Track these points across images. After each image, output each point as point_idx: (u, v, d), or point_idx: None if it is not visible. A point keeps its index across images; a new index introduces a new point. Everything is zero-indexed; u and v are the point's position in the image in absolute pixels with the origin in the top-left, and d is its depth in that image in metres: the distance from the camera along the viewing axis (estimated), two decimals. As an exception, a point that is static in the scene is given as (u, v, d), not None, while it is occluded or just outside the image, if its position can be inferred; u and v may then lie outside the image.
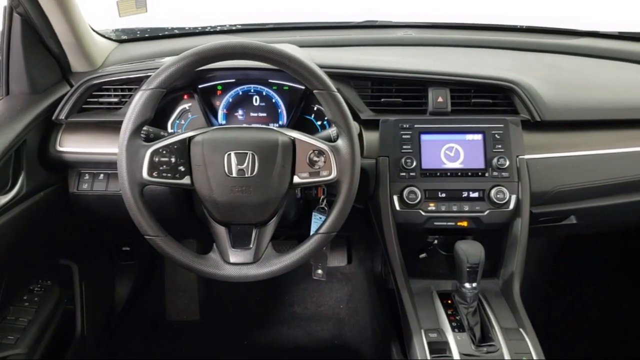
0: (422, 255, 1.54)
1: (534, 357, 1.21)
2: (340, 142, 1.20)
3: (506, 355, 1.21)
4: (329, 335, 2.13)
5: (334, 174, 1.19)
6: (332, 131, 1.27)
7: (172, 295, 2.18)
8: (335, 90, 1.20)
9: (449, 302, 1.38)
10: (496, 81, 1.47)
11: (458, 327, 1.29)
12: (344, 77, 1.48)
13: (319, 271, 1.55)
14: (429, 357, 1.21)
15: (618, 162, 1.48)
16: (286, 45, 1.65)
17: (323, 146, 1.19)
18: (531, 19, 2.04)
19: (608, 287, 2.24)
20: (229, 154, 1.16)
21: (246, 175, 1.16)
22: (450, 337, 1.26)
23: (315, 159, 1.19)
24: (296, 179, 1.20)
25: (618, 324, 2.13)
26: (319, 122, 1.52)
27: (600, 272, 2.26)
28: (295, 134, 1.21)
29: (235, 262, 1.19)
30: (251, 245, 1.20)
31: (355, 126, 1.36)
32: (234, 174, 1.16)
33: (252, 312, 2.20)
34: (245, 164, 1.16)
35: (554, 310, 2.18)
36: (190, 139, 1.18)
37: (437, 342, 1.24)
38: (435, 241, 1.54)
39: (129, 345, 2.02)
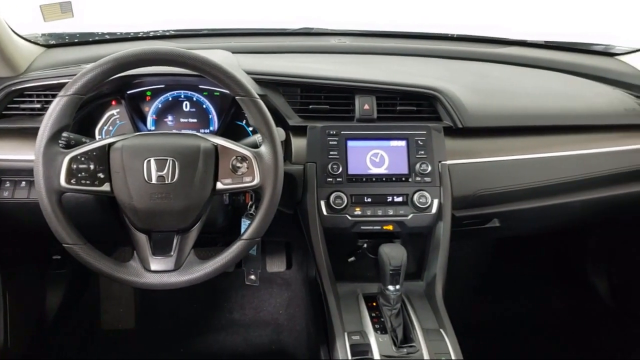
0: (351, 259, 1.56)
1: (453, 357, 1.25)
2: (263, 148, 1.21)
3: (425, 356, 1.24)
4: (267, 340, 2.14)
5: (257, 180, 1.20)
6: (258, 137, 1.28)
7: (107, 303, 2.14)
8: (257, 96, 1.21)
9: (374, 304, 1.40)
10: (420, 89, 1.51)
11: (381, 329, 1.32)
12: (273, 83, 1.49)
13: (252, 277, 1.55)
14: (350, 359, 1.23)
15: (537, 167, 1.54)
16: (218, 52, 1.66)
17: (246, 152, 1.20)
18: (461, 27, 2.11)
19: (537, 288, 2.32)
20: (149, 161, 1.16)
21: (166, 182, 1.16)
22: (373, 339, 1.28)
23: (238, 165, 1.20)
24: (219, 185, 1.20)
25: (546, 324, 2.21)
26: (251, 128, 1.53)
27: (529, 273, 2.34)
28: (218, 140, 1.21)
29: (155, 270, 1.19)
30: (172, 253, 1.20)
31: (280, 132, 1.38)
32: (154, 181, 1.16)
33: (189, 319, 2.18)
34: (165, 171, 1.16)
35: (483, 311, 2.25)
36: (109, 145, 1.17)
37: (359, 345, 1.27)
38: (365, 245, 1.57)
39: (62, 355, 1.97)
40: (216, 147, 1.20)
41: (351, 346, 1.27)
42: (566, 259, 2.36)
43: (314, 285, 2.04)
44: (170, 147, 1.18)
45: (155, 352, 2.09)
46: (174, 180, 1.16)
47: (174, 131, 1.50)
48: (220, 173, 1.20)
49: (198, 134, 1.25)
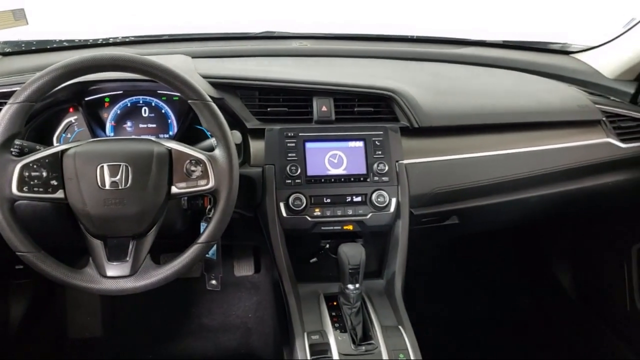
0: (313, 260, 1.58)
1: (410, 353, 1.27)
2: (218, 152, 1.22)
3: (383, 352, 1.26)
4: (235, 344, 2.14)
5: (211, 183, 1.20)
6: (213, 140, 1.29)
7: (73, 312, 2.12)
8: (209, 99, 1.22)
9: (334, 304, 1.42)
10: (377, 90, 1.53)
11: (340, 327, 1.34)
12: (230, 87, 1.50)
13: (213, 282, 1.55)
14: (309, 358, 1.25)
15: (493, 164, 1.57)
16: (175, 57, 1.67)
17: (200, 155, 1.21)
18: (422, 29, 2.15)
19: (500, 284, 2.36)
20: (102, 166, 1.16)
21: (120, 188, 1.16)
22: (332, 338, 1.30)
23: (193, 168, 1.20)
24: (174, 190, 1.21)
25: (509, 320, 2.25)
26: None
27: (493, 270, 2.38)
28: (171, 144, 1.22)
29: (111, 276, 1.18)
30: (128, 258, 1.20)
31: (236, 135, 1.39)
32: (107, 187, 1.16)
33: (158, 325, 2.17)
34: (119, 176, 1.16)
35: (446, 308, 2.28)
36: (62, 152, 1.17)
37: (318, 344, 1.28)
38: (327, 245, 1.58)
39: None
40: (170, 151, 1.21)
41: (310, 346, 1.28)
42: (530, 255, 2.40)
43: (277, 287, 2.06)
44: (123, 153, 1.18)
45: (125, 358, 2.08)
46: (128, 185, 1.16)
47: (127, 137, 1.50)
48: (175, 177, 1.20)
49: (152, 138, 1.25)
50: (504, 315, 2.28)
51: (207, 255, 1.49)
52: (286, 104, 1.52)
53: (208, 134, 1.53)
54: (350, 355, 1.26)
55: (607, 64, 1.86)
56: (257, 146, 1.47)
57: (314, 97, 1.52)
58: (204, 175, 1.20)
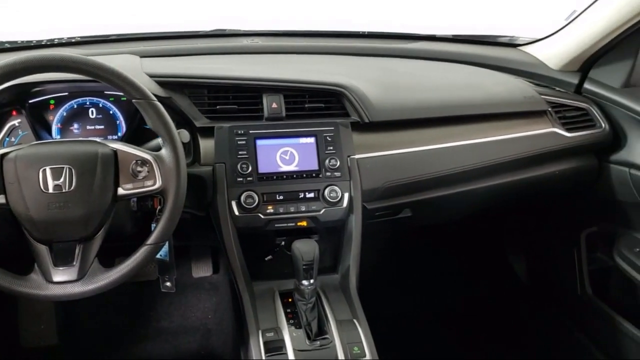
0: (268, 258, 1.57)
1: (365, 346, 1.28)
2: (164, 151, 1.20)
3: (338, 346, 1.27)
4: (196, 346, 2.12)
5: (158, 184, 1.19)
6: (160, 140, 1.27)
7: (26, 320, 2.07)
8: (154, 99, 1.20)
9: (290, 300, 1.42)
10: (327, 86, 1.54)
11: (295, 324, 1.34)
12: (178, 85, 1.48)
13: (167, 283, 1.53)
14: (264, 356, 1.24)
15: (443, 156, 1.59)
16: (120, 56, 1.64)
17: (146, 155, 1.19)
18: (372, 24, 2.16)
19: (455, 276, 2.40)
20: (44, 170, 1.13)
21: (63, 191, 1.13)
22: (287, 334, 1.30)
23: (139, 169, 1.18)
24: (120, 191, 1.18)
25: (466, 311, 2.29)
26: None
27: (447, 262, 2.42)
28: (117, 145, 1.20)
29: (58, 281, 1.16)
30: (75, 262, 1.17)
31: (183, 134, 1.38)
32: (51, 190, 1.13)
33: (115, 330, 2.13)
34: (62, 179, 1.13)
35: (403, 302, 2.31)
36: (2, 156, 1.14)
37: (272, 341, 1.28)
38: (283, 243, 1.58)
39: None
40: (115, 152, 1.18)
41: (265, 343, 1.28)
42: (485, 246, 2.45)
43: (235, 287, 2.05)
44: (66, 155, 1.15)
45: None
46: (72, 188, 1.14)
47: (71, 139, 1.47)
48: (121, 178, 1.18)
49: (96, 139, 1.23)
50: (460, 306, 2.32)
51: (159, 257, 1.48)
52: (236, 102, 1.51)
53: None
54: (305, 351, 1.26)
55: (552, 55, 1.91)
56: (206, 145, 1.45)
57: (264, 94, 1.52)
58: (151, 175, 1.19)
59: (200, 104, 1.50)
